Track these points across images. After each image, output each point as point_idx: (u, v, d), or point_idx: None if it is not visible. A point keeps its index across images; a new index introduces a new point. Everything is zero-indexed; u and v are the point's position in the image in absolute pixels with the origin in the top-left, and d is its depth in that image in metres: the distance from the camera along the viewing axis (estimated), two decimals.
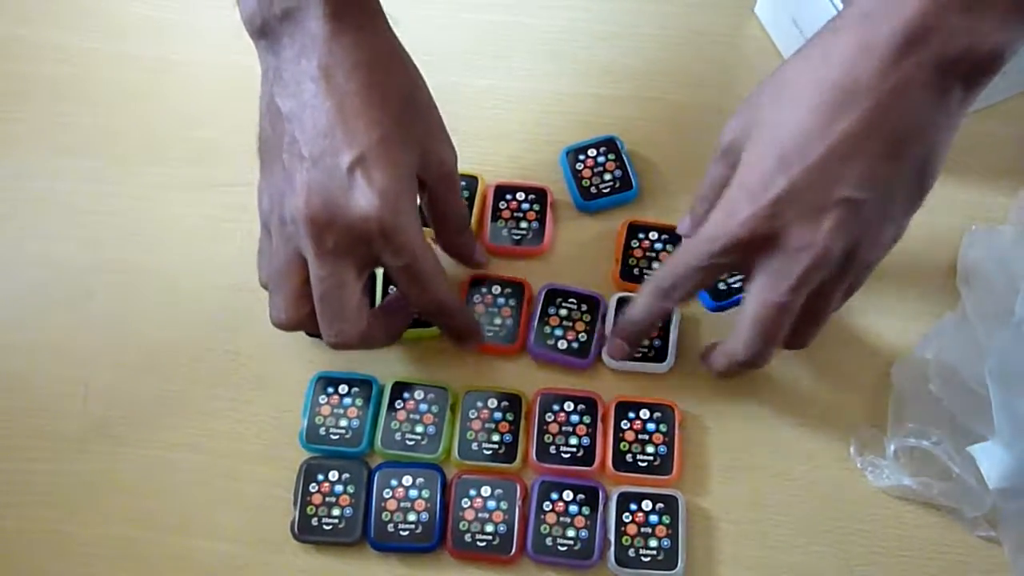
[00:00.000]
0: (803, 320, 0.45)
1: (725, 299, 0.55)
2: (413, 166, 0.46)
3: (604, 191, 0.59)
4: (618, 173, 0.59)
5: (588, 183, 0.59)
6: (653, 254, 0.57)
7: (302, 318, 0.47)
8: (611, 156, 0.60)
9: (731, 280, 0.55)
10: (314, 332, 0.48)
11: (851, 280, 0.45)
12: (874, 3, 0.41)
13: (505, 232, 0.58)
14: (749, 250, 0.43)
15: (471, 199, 0.59)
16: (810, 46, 0.43)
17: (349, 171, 0.44)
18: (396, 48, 0.48)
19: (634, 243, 0.57)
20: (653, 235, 0.58)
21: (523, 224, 0.58)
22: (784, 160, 0.41)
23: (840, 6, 0.57)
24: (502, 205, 0.59)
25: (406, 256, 0.45)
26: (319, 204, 0.44)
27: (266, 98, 0.47)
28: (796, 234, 0.42)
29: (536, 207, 0.59)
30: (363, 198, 0.43)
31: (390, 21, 0.48)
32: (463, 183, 0.58)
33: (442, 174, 0.49)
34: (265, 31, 0.46)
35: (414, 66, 0.49)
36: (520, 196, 0.59)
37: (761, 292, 0.43)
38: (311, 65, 0.45)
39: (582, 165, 0.60)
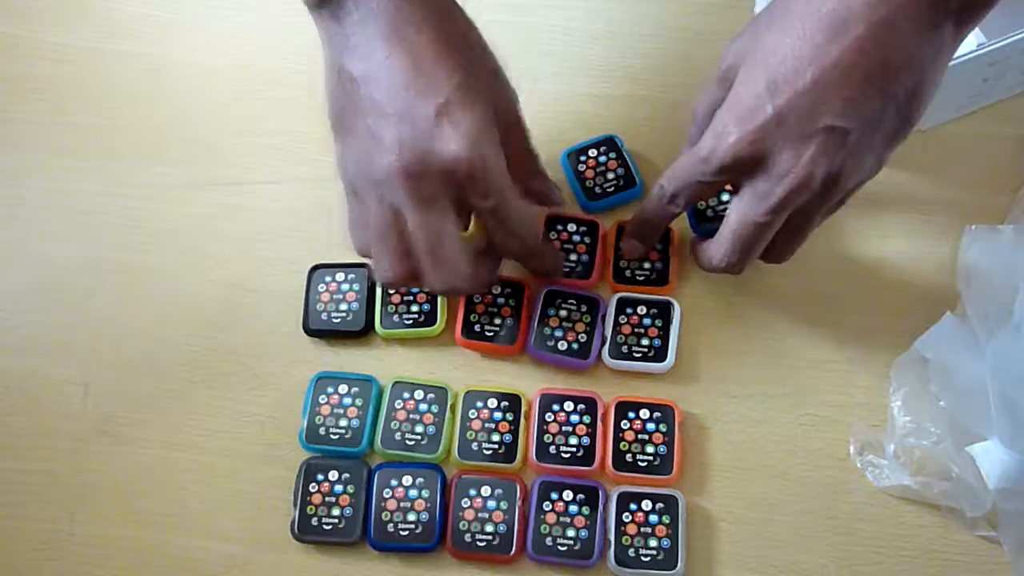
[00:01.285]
0: (783, 238, 0.48)
1: (709, 225, 0.55)
2: (490, 108, 0.47)
3: (608, 190, 0.59)
4: (621, 171, 0.59)
5: (592, 183, 0.59)
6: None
7: (409, 272, 0.48)
8: (612, 155, 0.60)
9: (718, 206, 0.57)
10: (421, 286, 0.49)
11: (831, 204, 0.47)
12: None
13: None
14: (736, 170, 0.45)
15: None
16: None
17: (435, 121, 0.44)
18: (447, 1, 0.49)
19: (552, 235, 0.58)
20: (571, 226, 0.58)
21: (572, 256, 0.57)
22: (773, 85, 0.43)
23: None
24: (552, 235, 0.58)
25: (494, 197, 0.46)
26: (411, 156, 0.44)
27: (335, 66, 0.47)
28: (781, 158, 0.43)
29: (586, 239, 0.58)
30: (452, 142, 0.44)
31: None
32: None
33: (512, 117, 0.50)
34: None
35: (466, 14, 0.50)
36: (572, 227, 0.58)
37: (743, 210, 0.46)
38: (379, 24, 0.45)
39: (584, 166, 0.60)
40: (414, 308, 0.56)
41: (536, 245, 0.52)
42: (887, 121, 0.43)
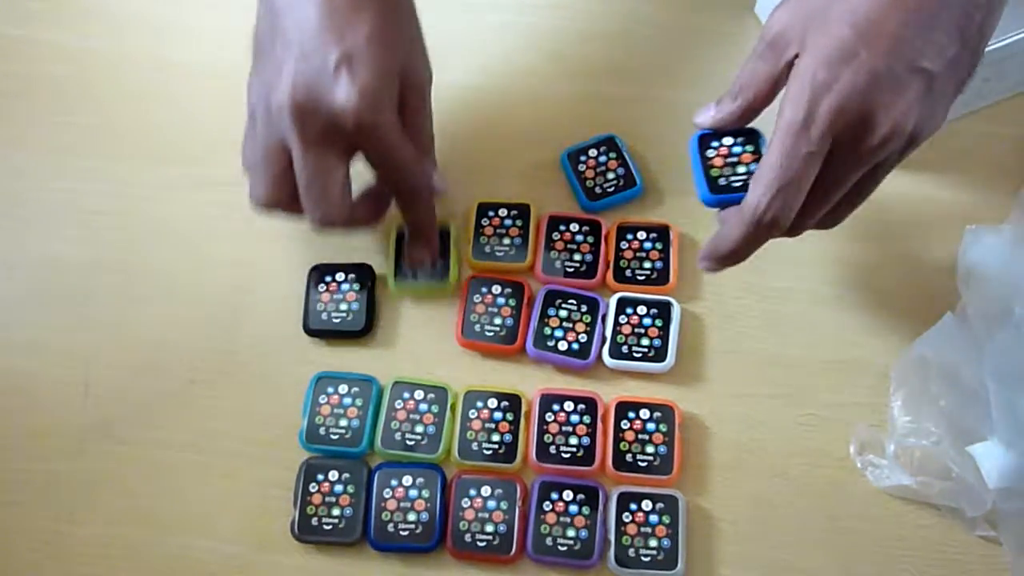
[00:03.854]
0: (848, 197, 0.45)
1: (724, 193, 0.49)
2: (395, 69, 0.48)
3: (609, 190, 0.59)
4: (621, 171, 0.59)
5: (592, 184, 0.59)
6: (643, 254, 0.57)
7: (280, 199, 0.49)
8: (612, 155, 0.60)
9: (732, 176, 0.50)
10: (291, 211, 0.50)
11: (900, 158, 0.45)
12: None
13: (558, 265, 0.57)
14: (842, 126, 0.42)
15: (524, 228, 0.58)
16: None
17: (336, 67, 0.45)
18: None
19: (624, 244, 0.57)
20: (642, 234, 0.58)
21: (576, 256, 0.58)
22: (865, 32, 0.41)
23: None
24: (555, 236, 0.58)
25: (382, 150, 0.47)
26: (304, 95, 0.46)
27: None
28: (881, 107, 0.41)
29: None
30: (345, 93, 0.45)
31: None
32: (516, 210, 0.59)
33: (417, 85, 0.50)
34: None
35: None
36: (574, 227, 0.58)
37: (838, 167, 0.43)
38: None
39: (584, 166, 0.60)
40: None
41: (425, 192, 0.51)
42: (961, 65, 0.43)
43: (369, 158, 0.48)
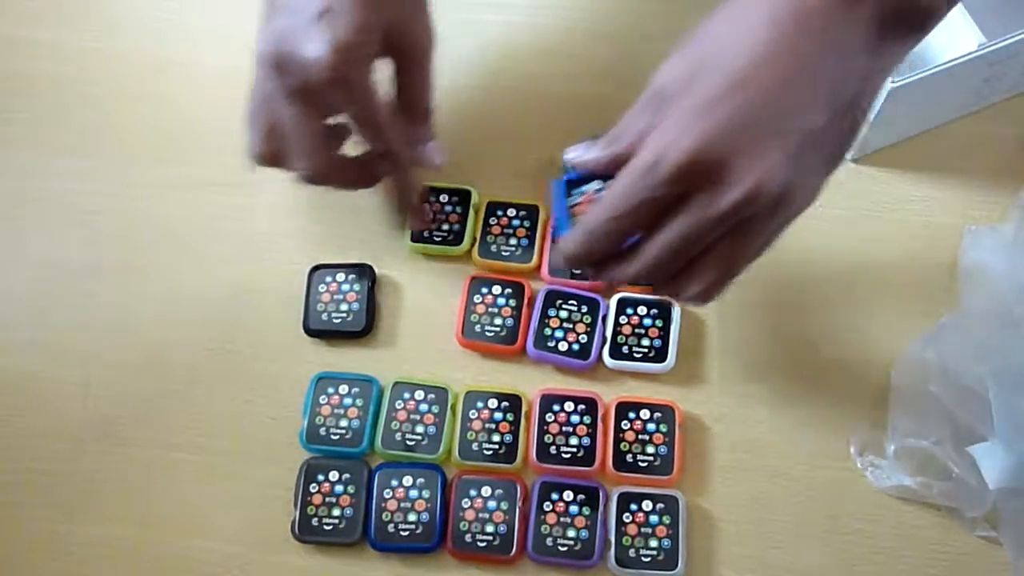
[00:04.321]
0: (711, 262, 0.42)
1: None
2: (378, 28, 0.47)
3: None
4: None
5: None
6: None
7: (272, 153, 0.50)
8: None
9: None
10: (284, 167, 0.50)
11: (771, 229, 0.42)
12: None
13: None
14: (691, 179, 0.39)
15: (532, 229, 0.58)
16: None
17: (313, 20, 0.45)
18: None
19: None
20: None
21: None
22: (733, 83, 0.39)
23: None
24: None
25: (355, 106, 0.47)
26: (281, 47, 0.46)
27: None
28: (738, 163, 0.38)
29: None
30: (318, 47, 0.45)
31: None
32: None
33: (409, 47, 0.50)
34: None
35: None
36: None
37: (683, 220, 0.40)
38: None
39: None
40: (444, 227, 0.58)
41: (399, 152, 0.51)
42: (832, 135, 0.41)
43: (345, 113, 0.48)
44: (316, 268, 0.58)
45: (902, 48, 0.41)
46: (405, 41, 0.50)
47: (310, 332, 0.56)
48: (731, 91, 0.39)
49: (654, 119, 0.41)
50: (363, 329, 0.56)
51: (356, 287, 0.57)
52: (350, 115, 0.48)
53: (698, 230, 0.40)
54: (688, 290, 0.43)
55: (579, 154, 0.47)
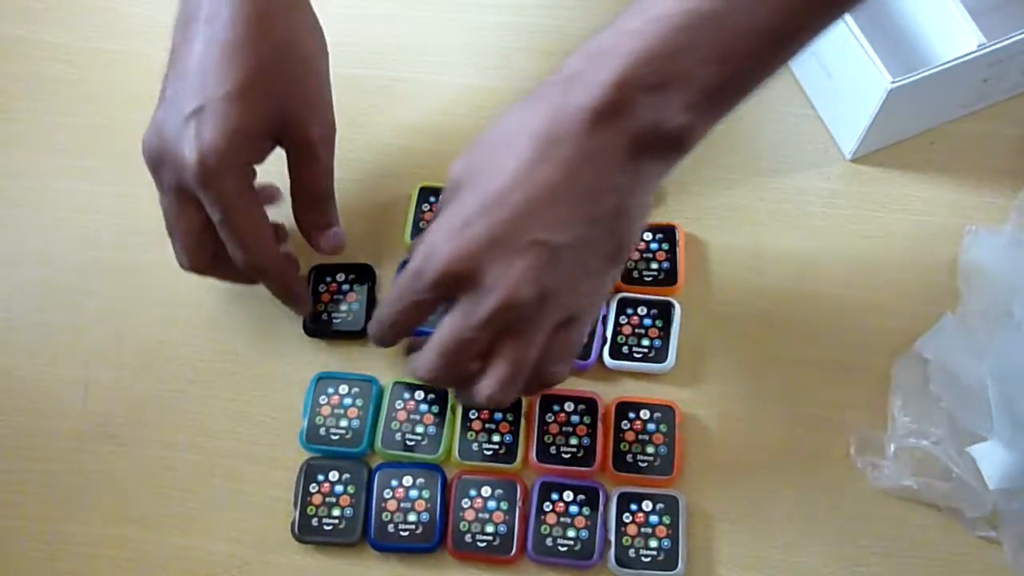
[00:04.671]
0: (502, 364, 0.43)
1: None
2: (257, 127, 0.48)
3: None
4: None
5: None
6: (650, 254, 0.57)
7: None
8: None
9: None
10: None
11: (553, 332, 0.44)
12: (581, 64, 0.41)
13: None
14: (449, 286, 0.43)
15: None
16: (530, 97, 0.44)
17: (186, 119, 0.46)
18: (292, 6, 0.50)
19: None
20: (647, 235, 0.57)
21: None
22: (486, 204, 0.42)
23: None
24: None
25: (219, 211, 0.47)
26: (156, 142, 0.48)
27: (176, 22, 0.50)
28: (491, 272, 0.41)
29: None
30: (187, 147, 0.46)
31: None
32: None
33: (300, 141, 0.50)
34: None
35: (310, 28, 0.51)
36: None
37: (451, 323, 0.43)
38: (199, 7, 0.48)
39: None
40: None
41: (269, 269, 0.51)
42: (597, 243, 0.43)
43: (211, 217, 0.48)
44: (316, 268, 0.58)
45: (664, 164, 0.43)
46: (295, 133, 0.50)
47: (310, 332, 0.56)
48: (485, 210, 0.41)
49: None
50: (363, 329, 0.56)
51: (356, 287, 0.57)
52: (215, 220, 0.48)
53: (465, 331, 0.42)
54: (482, 390, 0.44)
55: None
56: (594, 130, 0.40)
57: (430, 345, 0.45)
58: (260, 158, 0.50)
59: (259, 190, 0.50)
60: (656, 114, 0.40)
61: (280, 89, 0.48)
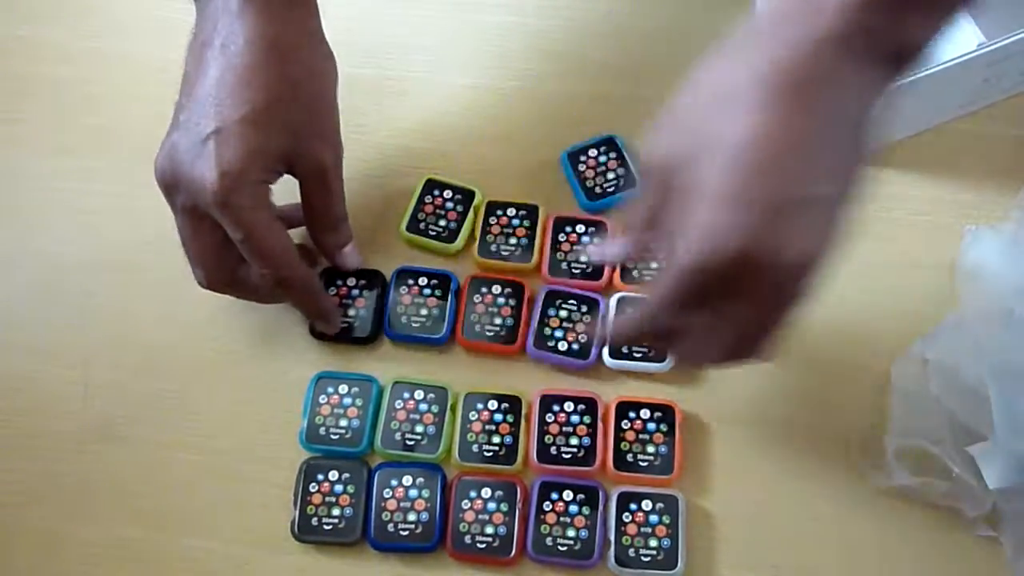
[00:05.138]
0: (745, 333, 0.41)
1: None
2: (272, 152, 0.48)
3: (609, 190, 0.59)
4: (621, 171, 0.59)
5: (592, 183, 0.59)
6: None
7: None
8: (612, 155, 0.60)
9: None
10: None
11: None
12: (792, 4, 0.38)
13: (565, 266, 0.57)
14: (739, 268, 0.37)
15: (532, 228, 0.58)
16: (731, 48, 0.40)
17: (203, 142, 0.46)
18: (307, 35, 0.50)
19: (561, 236, 0.58)
20: (580, 228, 0.58)
21: (583, 258, 0.57)
22: (754, 163, 0.37)
23: None
24: (562, 237, 0.58)
25: (241, 232, 0.48)
26: (170, 165, 0.47)
27: (191, 42, 0.50)
28: (790, 239, 0.37)
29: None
30: (206, 170, 0.46)
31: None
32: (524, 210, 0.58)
33: (313, 169, 0.50)
34: None
35: (324, 58, 0.51)
36: (580, 228, 0.58)
37: (747, 307, 0.39)
38: (215, 33, 0.48)
39: (584, 166, 0.60)
40: (441, 223, 0.58)
41: (297, 285, 0.51)
42: (859, 180, 0.40)
43: (232, 237, 0.48)
44: (324, 271, 0.57)
45: (897, 80, 0.40)
46: (305, 163, 0.50)
47: (317, 336, 0.56)
48: (752, 181, 0.37)
49: (667, 203, 0.40)
50: (369, 335, 0.56)
51: (366, 293, 0.57)
52: (236, 240, 0.48)
53: (762, 315, 0.40)
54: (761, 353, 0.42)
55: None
56: (843, 62, 0.37)
57: (722, 332, 0.41)
58: (274, 180, 0.50)
59: (279, 212, 0.51)
60: (898, 30, 0.38)
61: (294, 119, 0.49)
